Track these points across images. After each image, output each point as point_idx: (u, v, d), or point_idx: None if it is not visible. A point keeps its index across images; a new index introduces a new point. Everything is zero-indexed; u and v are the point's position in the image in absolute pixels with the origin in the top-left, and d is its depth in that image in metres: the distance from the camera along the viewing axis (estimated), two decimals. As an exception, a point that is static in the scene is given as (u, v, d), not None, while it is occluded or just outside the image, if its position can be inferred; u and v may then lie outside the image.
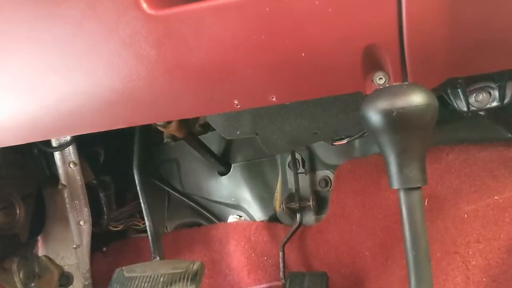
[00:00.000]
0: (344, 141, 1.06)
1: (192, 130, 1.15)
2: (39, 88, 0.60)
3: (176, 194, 1.28)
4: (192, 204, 1.27)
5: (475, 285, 0.65)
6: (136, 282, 0.94)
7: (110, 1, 0.51)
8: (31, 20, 0.54)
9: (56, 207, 1.11)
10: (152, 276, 0.95)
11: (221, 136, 1.02)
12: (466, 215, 0.73)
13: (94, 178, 1.17)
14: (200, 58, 0.54)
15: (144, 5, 0.50)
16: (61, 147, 1.02)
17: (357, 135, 1.04)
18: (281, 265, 1.00)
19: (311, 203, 1.09)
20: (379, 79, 0.52)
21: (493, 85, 0.65)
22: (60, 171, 1.06)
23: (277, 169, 1.18)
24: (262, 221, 1.18)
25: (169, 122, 0.99)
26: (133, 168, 1.17)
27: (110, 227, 1.23)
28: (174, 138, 1.21)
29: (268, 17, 0.49)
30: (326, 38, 0.49)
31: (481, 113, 0.68)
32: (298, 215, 1.11)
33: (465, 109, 0.67)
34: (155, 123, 0.96)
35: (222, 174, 1.23)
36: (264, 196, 1.20)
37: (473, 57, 0.52)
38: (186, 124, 1.07)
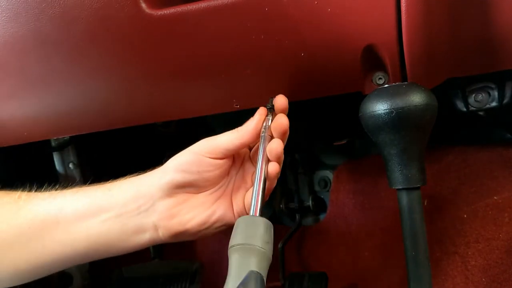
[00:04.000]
0: (344, 141, 1.06)
1: (192, 130, 1.14)
2: (38, 88, 0.60)
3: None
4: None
5: (475, 285, 0.65)
6: (135, 282, 0.94)
7: (109, 1, 0.51)
8: (30, 21, 0.54)
9: (56, 208, 1.11)
10: (152, 276, 0.95)
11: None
12: (465, 215, 0.73)
13: (94, 179, 1.16)
14: (199, 58, 0.54)
15: (143, 5, 0.50)
16: (60, 147, 1.02)
17: (356, 135, 1.04)
18: (280, 265, 0.99)
19: (310, 203, 1.09)
20: (379, 79, 0.52)
21: (492, 85, 0.65)
22: (59, 171, 1.06)
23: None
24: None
25: (169, 122, 0.99)
26: (132, 168, 1.16)
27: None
28: (173, 138, 1.21)
29: (267, 17, 0.49)
30: (325, 38, 0.49)
31: (480, 113, 0.68)
32: (297, 216, 1.11)
33: (464, 109, 0.67)
34: (155, 124, 0.96)
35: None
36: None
37: (472, 57, 0.53)
38: (186, 124, 1.07)
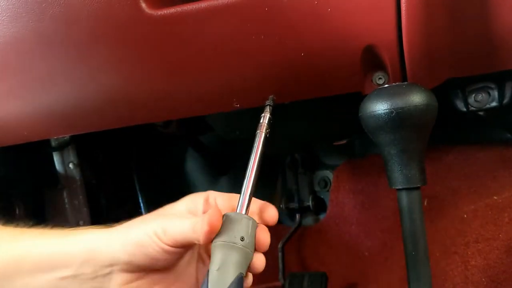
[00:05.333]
0: (344, 141, 1.06)
1: (192, 130, 1.15)
2: (38, 87, 0.60)
3: (176, 193, 1.27)
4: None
5: (474, 285, 0.65)
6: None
7: (109, 1, 0.51)
8: (30, 20, 0.54)
9: (56, 208, 1.11)
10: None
11: (221, 136, 1.02)
12: (465, 215, 0.73)
13: (94, 178, 1.17)
14: (199, 58, 0.54)
15: (143, 5, 0.50)
16: (60, 147, 1.02)
17: (356, 135, 1.04)
18: (280, 265, 0.99)
19: (310, 203, 1.09)
20: (379, 79, 0.53)
21: (492, 85, 0.65)
22: (59, 171, 1.06)
23: (276, 169, 1.17)
24: (261, 221, 1.18)
25: (169, 122, 0.99)
26: (132, 168, 1.17)
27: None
28: (173, 138, 1.21)
29: (267, 17, 0.49)
30: (326, 38, 0.49)
31: (480, 113, 0.68)
32: (297, 216, 1.11)
33: (464, 109, 0.67)
34: (155, 123, 0.96)
35: (222, 174, 1.23)
36: (264, 197, 1.20)
37: (472, 57, 0.53)
38: (186, 124, 1.07)
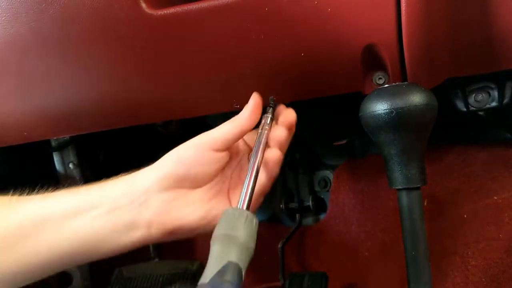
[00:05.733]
0: (344, 141, 1.06)
1: (192, 130, 1.14)
2: (38, 88, 0.60)
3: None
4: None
5: (475, 285, 0.65)
6: (136, 282, 0.94)
7: (109, 1, 0.51)
8: (30, 20, 0.54)
9: (56, 208, 1.11)
10: (152, 276, 0.95)
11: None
12: (465, 215, 0.73)
13: (94, 178, 1.16)
14: (198, 58, 0.54)
15: (143, 5, 0.50)
16: (60, 147, 1.02)
17: (356, 135, 1.04)
18: (280, 265, 0.99)
19: (310, 203, 1.09)
20: (379, 79, 0.53)
21: (492, 85, 0.65)
22: (59, 171, 1.06)
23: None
24: (261, 221, 1.18)
25: (169, 122, 0.99)
26: (132, 168, 1.16)
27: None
28: (173, 138, 1.21)
29: (267, 17, 0.49)
30: (326, 37, 0.49)
31: (481, 113, 0.68)
32: (297, 216, 1.11)
33: (464, 109, 0.67)
34: (155, 124, 0.96)
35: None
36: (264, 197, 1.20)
37: (472, 57, 0.53)
38: (186, 124, 1.07)
